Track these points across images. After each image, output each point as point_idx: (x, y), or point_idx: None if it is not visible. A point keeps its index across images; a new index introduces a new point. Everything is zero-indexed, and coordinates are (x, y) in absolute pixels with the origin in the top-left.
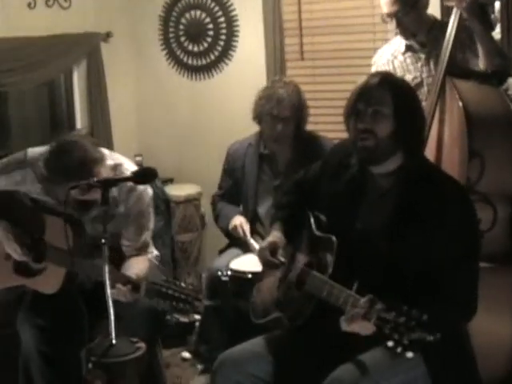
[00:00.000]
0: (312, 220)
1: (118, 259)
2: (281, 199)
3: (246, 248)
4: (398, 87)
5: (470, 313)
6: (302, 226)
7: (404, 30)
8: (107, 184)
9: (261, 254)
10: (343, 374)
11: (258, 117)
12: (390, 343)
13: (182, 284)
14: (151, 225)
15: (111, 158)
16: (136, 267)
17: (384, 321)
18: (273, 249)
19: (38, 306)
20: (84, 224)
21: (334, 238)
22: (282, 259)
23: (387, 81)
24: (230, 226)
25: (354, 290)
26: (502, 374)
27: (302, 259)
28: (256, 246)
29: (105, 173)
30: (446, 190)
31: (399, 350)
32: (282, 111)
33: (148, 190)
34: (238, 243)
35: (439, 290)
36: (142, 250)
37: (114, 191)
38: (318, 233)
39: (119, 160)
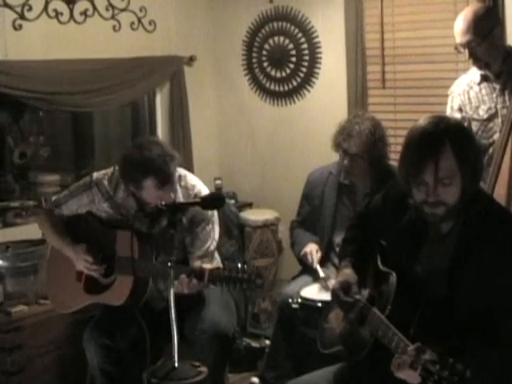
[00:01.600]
0: (378, 253)
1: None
2: (347, 233)
3: (315, 275)
4: (461, 147)
5: None
6: (369, 258)
7: (477, 60)
8: (175, 208)
9: (334, 294)
10: None
11: (335, 147)
12: None
13: (244, 266)
14: (216, 235)
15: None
16: (200, 262)
17: (429, 372)
18: (345, 287)
19: (103, 326)
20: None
21: (394, 276)
22: (357, 297)
23: (451, 142)
24: (302, 253)
25: (411, 334)
26: None
27: (366, 292)
28: (322, 274)
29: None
30: (506, 236)
31: None
32: (350, 147)
33: None
34: (308, 270)
35: (496, 336)
36: (203, 258)
37: (180, 198)
38: (381, 267)
39: (183, 173)
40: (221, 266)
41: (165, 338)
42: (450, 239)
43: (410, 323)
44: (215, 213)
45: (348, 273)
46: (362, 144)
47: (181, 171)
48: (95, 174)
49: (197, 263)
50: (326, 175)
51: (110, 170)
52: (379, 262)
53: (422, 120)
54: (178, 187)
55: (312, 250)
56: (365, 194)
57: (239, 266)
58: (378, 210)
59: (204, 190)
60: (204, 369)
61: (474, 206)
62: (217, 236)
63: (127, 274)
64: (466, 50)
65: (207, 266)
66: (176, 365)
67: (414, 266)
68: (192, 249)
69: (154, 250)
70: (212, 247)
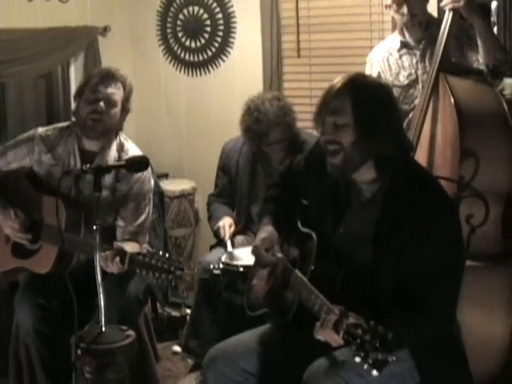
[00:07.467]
0: (298, 212)
1: (110, 240)
2: (268, 192)
3: (226, 249)
4: (360, 94)
5: (445, 325)
6: (291, 217)
7: (413, 16)
8: (100, 170)
9: (255, 252)
10: (319, 366)
11: (245, 132)
12: (358, 359)
13: (166, 254)
14: (149, 211)
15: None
16: (127, 245)
17: (351, 336)
18: (267, 245)
19: (36, 286)
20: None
21: (314, 237)
22: (279, 255)
23: (349, 87)
24: (215, 227)
25: (333, 296)
26: (492, 372)
27: (291, 251)
28: (229, 248)
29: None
30: (429, 202)
31: (365, 367)
32: (263, 129)
33: (151, 180)
34: (222, 243)
35: (418, 301)
36: (136, 235)
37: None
38: (301, 227)
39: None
40: (146, 249)
41: (89, 303)
42: (372, 206)
43: (332, 287)
44: (151, 191)
45: (270, 230)
46: (274, 122)
47: (125, 141)
48: (39, 128)
49: (120, 243)
50: (239, 145)
51: (57, 125)
52: (299, 223)
53: None
54: (113, 146)
55: (225, 224)
56: (279, 163)
57: (161, 253)
58: (300, 171)
59: None
60: (132, 332)
61: (395, 172)
62: (150, 214)
63: (53, 243)
64: (392, 10)
65: (128, 248)
66: (103, 329)
67: (337, 229)
68: (124, 223)
69: (81, 224)
70: (144, 224)
